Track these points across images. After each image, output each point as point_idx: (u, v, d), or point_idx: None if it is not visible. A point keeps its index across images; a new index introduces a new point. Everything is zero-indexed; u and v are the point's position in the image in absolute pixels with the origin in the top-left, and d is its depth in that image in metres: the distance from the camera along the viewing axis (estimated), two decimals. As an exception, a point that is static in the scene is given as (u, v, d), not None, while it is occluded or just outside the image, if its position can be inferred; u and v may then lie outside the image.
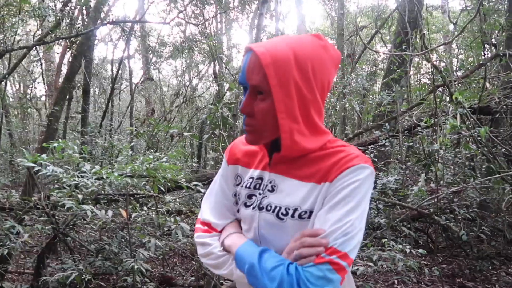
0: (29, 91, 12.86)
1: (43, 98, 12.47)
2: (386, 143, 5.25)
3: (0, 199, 3.95)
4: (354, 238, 0.89)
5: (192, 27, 11.68)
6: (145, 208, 3.59)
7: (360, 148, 5.66)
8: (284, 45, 0.91)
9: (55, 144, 2.88)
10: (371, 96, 9.27)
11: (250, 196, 1.04)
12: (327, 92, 0.98)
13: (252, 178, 1.05)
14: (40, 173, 2.98)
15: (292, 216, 0.95)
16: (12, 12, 5.75)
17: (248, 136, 0.97)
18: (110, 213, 2.68)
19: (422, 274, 3.82)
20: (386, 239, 3.61)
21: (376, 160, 5.35)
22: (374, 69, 10.88)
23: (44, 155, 3.00)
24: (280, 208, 0.97)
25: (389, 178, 4.72)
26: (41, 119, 10.26)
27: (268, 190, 1.01)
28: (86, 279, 3.07)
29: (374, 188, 4.57)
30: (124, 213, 2.96)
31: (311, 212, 0.93)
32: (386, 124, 5.47)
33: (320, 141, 0.97)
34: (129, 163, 3.32)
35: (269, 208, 0.99)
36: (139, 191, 3.81)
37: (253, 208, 1.02)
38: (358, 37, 11.05)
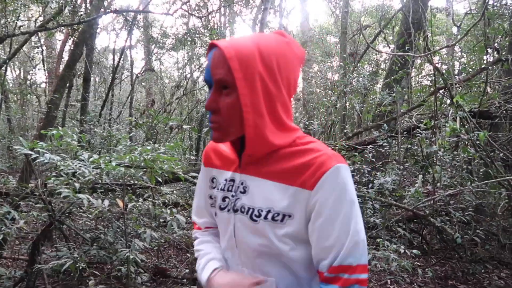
0: (29, 77, 12.82)
1: (43, 85, 12.44)
2: (385, 144, 5.25)
3: (9, 183, 3.94)
4: (363, 243, 0.89)
5: (195, 20, 11.63)
6: (141, 199, 3.60)
7: (358, 147, 5.67)
8: (248, 40, 0.91)
9: (54, 132, 2.87)
10: (371, 96, 9.27)
11: (224, 199, 1.03)
12: (293, 89, 0.97)
13: (226, 180, 1.04)
14: (38, 160, 2.97)
15: (265, 218, 0.93)
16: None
17: (214, 134, 0.95)
18: (106, 202, 2.67)
19: (415, 275, 3.84)
20: (381, 239, 3.63)
21: (374, 160, 5.36)
22: (375, 69, 10.87)
23: (42, 143, 2.99)
24: (254, 209, 0.95)
25: (386, 178, 4.73)
26: (40, 106, 10.22)
27: (240, 192, 0.99)
28: (80, 268, 3.08)
29: (371, 187, 4.59)
30: (120, 203, 2.96)
31: (284, 215, 0.91)
32: (385, 124, 5.48)
33: (288, 137, 0.95)
34: (128, 153, 3.31)
35: (243, 210, 0.98)
36: (136, 182, 3.81)
37: (228, 210, 1.01)
38: (361, 36, 11.03)
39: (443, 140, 4.38)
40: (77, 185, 2.88)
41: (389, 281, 3.90)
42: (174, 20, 12.99)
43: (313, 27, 16.04)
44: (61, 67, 10.93)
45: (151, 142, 4.93)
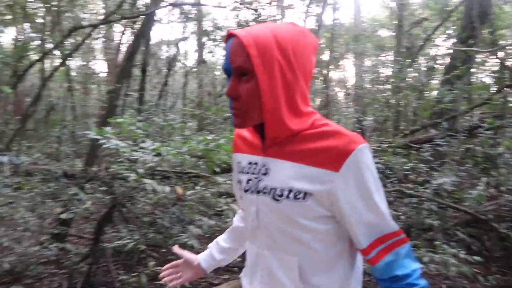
0: (89, 67, 13.54)
1: (101, 75, 13.09)
2: (443, 143, 5.02)
3: (66, 166, 4.22)
4: (390, 213, 0.98)
5: (246, 13, 11.68)
6: (197, 187, 3.71)
7: (414, 145, 5.46)
8: (265, 29, 0.94)
9: (121, 119, 3.03)
10: (428, 92, 8.86)
11: (248, 181, 1.08)
12: (310, 76, 1.00)
13: (250, 163, 1.08)
14: (104, 146, 3.15)
15: (287, 196, 0.97)
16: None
17: (235, 120, 0.99)
18: (167, 189, 2.79)
19: (474, 281, 3.67)
20: (438, 242, 3.49)
21: (431, 159, 5.15)
22: (433, 63, 10.37)
23: (108, 129, 3.16)
24: (276, 189, 0.99)
25: (445, 178, 4.52)
26: (100, 95, 10.80)
27: (263, 174, 1.03)
28: (140, 249, 3.25)
29: (428, 188, 4.41)
30: (180, 190, 3.07)
31: (305, 194, 0.95)
32: (445, 122, 5.23)
33: (305, 122, 0.99)
34: (187, 142, 3.42)
35: (265, 190, 1.01)
36: (191, 170, 3.92)
37: (252, 192, 1.06)
38: (418, 29, 10.57)
39: (510, 141, 4.12)
40: (141, 170, 3.02)
41: (444, 286, 3.76)
42: (226, 13, 13.14)
43: (366, 20, 15.56)
44: (119, 57, 11.44)
45: (207, 132, 5.06)
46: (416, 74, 7.99)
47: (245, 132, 1.15)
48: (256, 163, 1.06)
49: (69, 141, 8.09)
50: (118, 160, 3.67)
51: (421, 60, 10.00)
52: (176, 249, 1.41)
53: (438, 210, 4.21)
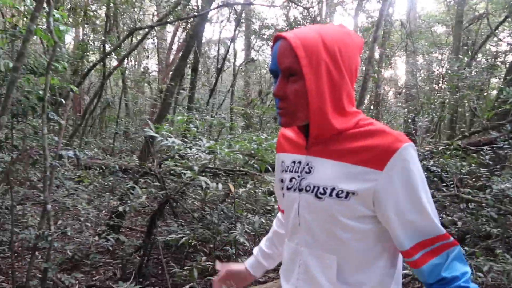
0: (142, 66, 14.11)
1: (153, 74, 13.59)
2: (505, 146, 4.70)
3: (123, 161, 4.43)
4: (437, 216, 0.94)
5: (295, 11, 11.62)
6: (248, 185, 3.75)
7: (473, 148, 5.16)
8: (312, 31, 0.96)
9: (179, 117, 3.13)
10: (487, 92, 8.34)
11: (291, 180, 1.08)
12: (355, 76, 1.01)
13: (294, 162, 1.09)
14: (162, 143, 3.27)
15: (330, 195, 0.97)
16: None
17: (282, 119, 1.00)
18: (220, 186, 2.84)
19: (540, 295, 3.40)
20: (499, 250, 3.28)
21: (491, 163, 4.84)
22: (494, 61, 9.74)
23: (168, 126, 3.28)
24: (318, 187, 0.99)
25: (507, 184, 4.23)
26: (152, 93, 11.23)
27: (306, 172, 1.04)
28: (192, 243, 3.33)
29: (489, 193, 4.15)
30: (232, 188, 3.12)
31: (348, 193, 0.94)
32: (509, 124, 4.89)
33: (350, 121, 0.99)
34: (240, 141, 3.47)
35: (308, 188, 1.01)
36: (241, 168, 3.97)
37: (294, 190, 1.06)
38: (478, 25, 9.98)
39: None
40: (196, 168, 3.10)
41: (505, 297, 3.52)
42: (274, 11, 13.15)
43: (420, 16, 14.92)
44: (171, 56, 11.82)
45: (259, 131, 5.10)
46: (475, 73, 7.53)
47: (290, 132, 1.16)
48: (299, 162, 1.07)
49: (123, 137, 8.48)
50: (171, 156, 3.79)
51: (481, 58, 9.43)
52: (218, 265, 1.43)
53: (498, 217, 3.95)
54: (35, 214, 3.82)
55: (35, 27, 3.03)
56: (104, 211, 4.40)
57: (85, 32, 9.53)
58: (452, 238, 0.95)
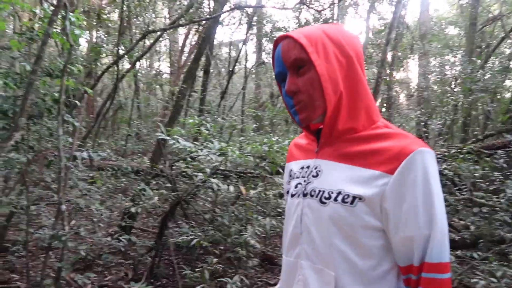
0: (154, 68, 14.24)
1: (165, 76, 13.70)
2: (520, 149, 4.63)
3: (135, 163, 4.48)
4: (447, 237, 0.85)
5: (307, 13, 11.61)
6: (258, 187, 3.76)
7: (486, 151, 5.09)
8: (312, 27, 0.97)
9: (190, 120, 3.16)
10: (501, 95, 8.21)
11: (296, 186, 1.03)
12: (362, 66, 0.98)
13: (302, 167, 1.05)
14: (173, 146, 3.30)
15: (335, 199, 0.90)
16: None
17: (300, 115, 0.96)
18: (231, 188, 2.85)
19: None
20: (513, 256, 3.23)
21: (505, 166, 4.77)
22: (508, 64, 9.59)
23: (181, 129, 3.31)
24: (324, 192, 0.93)
25: (522, 189, 4.16)
26: (164, 95, 11.32)
27: (313, 176, 0.98)
28: (203, 245, 3.35)
29: (503, 197, 4.09)
30: (243, 190, 3.13)
31: (354, 197, 0.88)
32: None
33: (365, 118, 0.95)
34: (252, 143, 3.48)
35: (312, 193, 0.95)
36: (252, 171, 3.99)
37: (298, 195, 1.00)
38: (493, 27, 9.84)
39: None
40: (208, 170, 3.12)
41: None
42: (286, 14, 13.17)
43: (433, 17, 14.78)
44: (183, 59, 11.91)
45: (269, 133, 5.11)
46: (489, 75, 7.42)
47: (301, 139, 1.13)
48: (308, 166, 1.02)
49: (134, 139, 8.56)
50: (182, 158, 3.82)
51: (495, 60, 9.30)
52: None
53: (513, 221, 3.89)
54: (49, 214, 3.88)
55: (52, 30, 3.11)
56: (116, 212, 4.45)
57: (98, 35, 9.67)
58: (448, 274, 0.84)
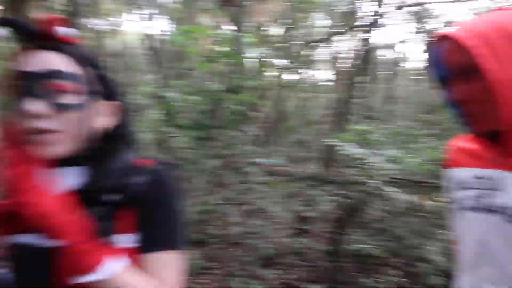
0: (312, 76, 14.62)
1: (328, 83, 13.89)
2: None
3: (306, 169, 4.68)
4: None
5: (481, 3, 10.19)
6: (436, 198, 3.48)
7: None
8: (484, 19, 0.82)
9: (363, 127, 3.16)
10: None
11: (474, 198, 0.90)
12: None
13: (477, 177, 0.91)
14: (344, 152, 3.34)
15: None
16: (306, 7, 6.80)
17: (474, 126, 0.86)
18: (415, 198, 2.72)
19: None
20: None
21: None
22: None
23: (349, 135, 3.35)
24: (511, 209, 0.81)
25: None
26: (327, 102, 11.48)
27: (496, 189, 0.85)
28: (376, 255, 3.29)
29: None
30: (422, 200, 2.96)
31: None
32: None
33: None
34: (427, 150, 3.27)
35: (496, 209, 0.84)
36: (430, 180, 3.71)
37: (478, 210, 0.88)
38: None
39: None
40: (380, 177, 3.06)
41: None
42: (456, 7, 11.87)
43: None
44: (344, 66, 11.90)
45: (445, 139, 4.69)
46: None
47: (468, 143, 0.98)
48: (487, 178, 0.89)
49: (299, 145, 8.94)
50: (354, 165, 3.82)
51: None
52: None
53: None
54: (236, 213, 4.37)
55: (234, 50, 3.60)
56: (291, 216, 4.73)
57: (261, 49, 10.44)
58: None
